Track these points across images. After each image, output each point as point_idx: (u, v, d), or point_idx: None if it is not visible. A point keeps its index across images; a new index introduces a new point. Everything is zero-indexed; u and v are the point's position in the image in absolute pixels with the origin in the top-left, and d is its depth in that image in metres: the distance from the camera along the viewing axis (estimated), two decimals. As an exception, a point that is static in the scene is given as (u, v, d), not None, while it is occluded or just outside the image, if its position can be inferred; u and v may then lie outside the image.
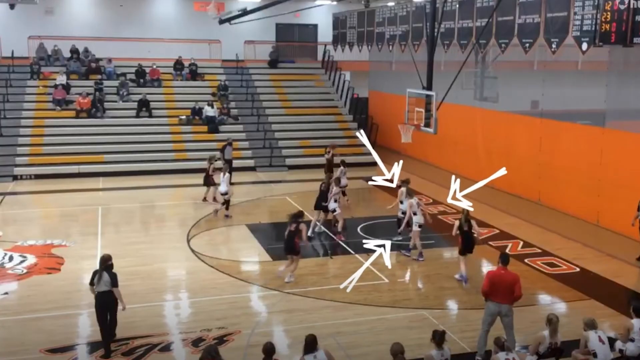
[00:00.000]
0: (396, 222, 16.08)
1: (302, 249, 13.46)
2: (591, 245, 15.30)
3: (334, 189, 16.16)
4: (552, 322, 8.92)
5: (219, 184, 18.18)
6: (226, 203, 17.92)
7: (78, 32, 29.16)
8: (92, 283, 10.01)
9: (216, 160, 19.76)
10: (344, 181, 18.15)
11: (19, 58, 27.50)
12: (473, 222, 13.04)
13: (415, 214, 14.37)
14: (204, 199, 19.43)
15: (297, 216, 13.29)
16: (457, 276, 13.28)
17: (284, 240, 13.33)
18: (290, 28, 33.06)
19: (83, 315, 11.46)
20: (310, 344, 8.06)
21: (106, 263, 10.11)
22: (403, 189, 15.39)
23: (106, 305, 10.01)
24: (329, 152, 21.22)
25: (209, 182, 19.21)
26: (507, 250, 15.19)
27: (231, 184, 18.69)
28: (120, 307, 10.13)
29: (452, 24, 20.04)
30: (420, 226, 14.46)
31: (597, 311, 11.56)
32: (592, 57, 15.50)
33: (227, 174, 18.02)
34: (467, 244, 12.93)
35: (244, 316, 11.45)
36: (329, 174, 17.84)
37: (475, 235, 13.12)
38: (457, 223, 12.92)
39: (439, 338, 8.29)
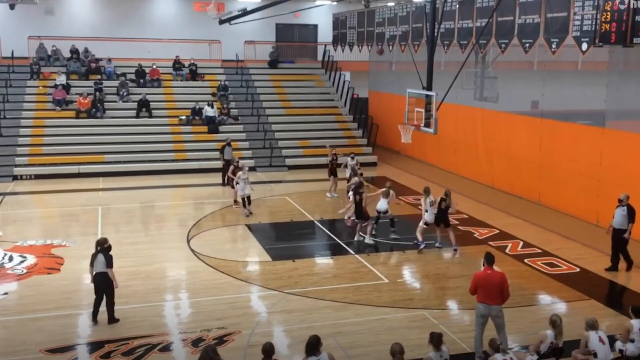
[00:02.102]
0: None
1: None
2: (591, 245, 15.30)
3: (353, 179, 17.38)
4: (556, 324, 8.94)
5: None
6: (242, 201, 18.18)
7: (78, 32, 29.15)
8: (91, 264, 10.90)
9: (237, 163, 19.51)
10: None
11: (19, 58, 27.51)
12: (453, 203, 15.22)
13: (426, 211, 15.17)
14: (235, 202, 19.14)
15: (358, 187, 16.04)
16: (437, 244, 15.31)
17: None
18: (290, 28, 33.05)
19: (83, 315, 11.46)
20: (314, 345, 8.01)
21: (102, 246, 10.92)
22: (427, 198, 15.32)
23: (101, 285, 10.89)
24: (332, 154, 21.05)
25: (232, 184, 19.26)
26: (507, 250, 15.22)
27: (228, 184, 18.78)
28: (115, 285, 10.97)
29: (452, 24, 20.04)
30: (426, 224, 15.21)
31: (597, 311, 11.56)
32: (592, 57, 15.49)
33: (240, 173, 18.12)
34: (441, 217, 15.11)
35: (244, 316, 11.45)
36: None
37: (450, 211, 15.30)
38: (438, 199, 15.11)
39: (436, 340, 8.29)
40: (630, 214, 13.46)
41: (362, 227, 16.05)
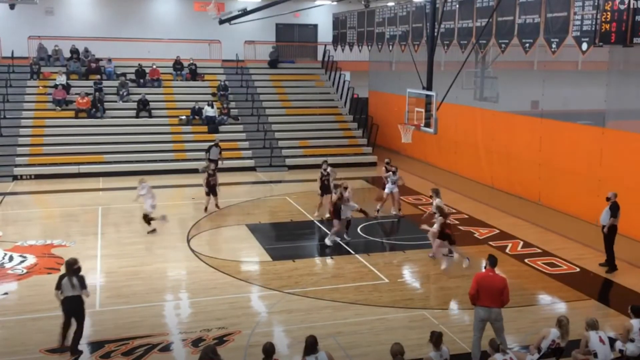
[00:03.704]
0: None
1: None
2: (591, 245, 15.29)
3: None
4: (562, 323, 8.96)
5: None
6: (145, 218, 16.52)
7: (78, 32, 29.15)
8: (57, 288, 9.88)
9: (212, 171, 18.63)
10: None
11: (19, 58, 27.51)
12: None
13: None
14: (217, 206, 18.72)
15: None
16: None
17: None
18: (290, 28, 33.06)
19: (83, 315, 11.47)
20: (311, 345, 8.06)
21: (72, 267, 9.99)
22: (437, 199, 14.84)
23: (74, 310, 9.94)
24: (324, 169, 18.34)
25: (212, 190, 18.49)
26: (507, 250, 15.22)
27: (215, 185, 18.32)
28: (84, 297, 10.02)
29: (452, 24, 20.04)
30: None
31: (597, 311, 11.57)
32: (592, 57, 15.49)
33: (147, 185, 16.67)
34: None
35: (244, 316, 11.45)
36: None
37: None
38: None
39: (435, 338, 8.30)
40: (613, 210, 13.63)
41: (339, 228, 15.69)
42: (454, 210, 18.84)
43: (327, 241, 15.57)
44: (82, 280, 9.92)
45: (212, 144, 22.52)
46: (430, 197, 15.03)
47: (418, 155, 26.19)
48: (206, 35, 29.83)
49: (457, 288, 12.93)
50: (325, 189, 17.87)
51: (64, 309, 9.93)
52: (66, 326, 10.00)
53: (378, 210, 18.10)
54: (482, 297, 9.47)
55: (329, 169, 18.19)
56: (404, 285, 13.35)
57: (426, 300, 12.34)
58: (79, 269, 10.09)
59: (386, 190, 18.24)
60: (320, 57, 32.25)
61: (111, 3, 30.22)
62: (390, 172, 18.19)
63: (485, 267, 9.74)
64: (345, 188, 15.65)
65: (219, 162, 22.17)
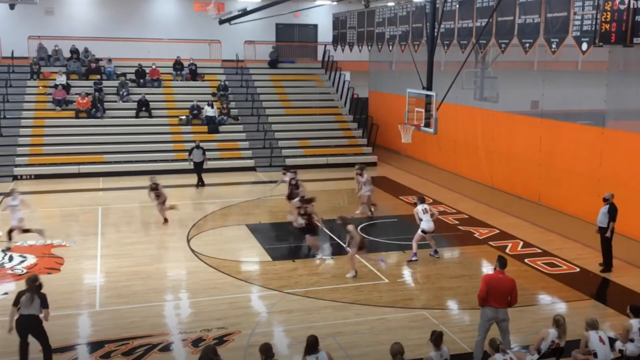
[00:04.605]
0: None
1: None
2: (591, 245, 15.29)
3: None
4: (559, 323, 8.96)
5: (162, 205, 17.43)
6: (10, 232, 15.10)
7: (78, 32, 29.15)
8: (15, 304, 9.26)
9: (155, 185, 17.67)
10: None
11: (19, 58, 27.51)
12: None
13: (421, 219, 14.38)
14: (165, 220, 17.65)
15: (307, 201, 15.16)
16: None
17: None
18: (290, 28, 33.06)
19: (83, 315, 11.48)
20: (312, 345, 8.06)
21: (34, 284, 9.38)
22: (419, 207, 14.65)
23: (31, 329, 9.29)
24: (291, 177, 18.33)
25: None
26: (507, 250, 15.21)
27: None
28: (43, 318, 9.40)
29: (452, 24, 20.05)
30: (423, 232, 14.36)
31: (596, 311, 11.57)
32: (592, 57, 15.50)
33: (9, 199, 15.34)
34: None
35: (244, 316, 11.45)
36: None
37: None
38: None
39: (435, 338, 8.30)
40: (611, 212, 13.61)
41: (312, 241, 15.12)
42: (454, 210, 18.87)
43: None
44: (43, 299, 9.30)
45: (194, 145, 22.40)
46: (415, 204, 14.95)
47: (418, 155, 26.20)
48: (206, 35, 29.83)
49: (457, 288, 12.93)
50: (292, 196, 17.57)
51: (18, 329, 9.27)
52: (23, 347, 9.34)
53: (372, 212, 18.27)
54: (491, 298, 9.44)
55: (297, 178, 18.08)
56: (404, 285, 13.35)
57: (426, 300, 12.34)
58: (41, 285, 9.50)
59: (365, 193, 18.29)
60: (320, 57, 32.24)
61: (111, 3, 30.21)
62: (358, 175, 18.31)
63: (495, 269, 9.70)
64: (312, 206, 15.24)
65: (204, 163, 22.18)
